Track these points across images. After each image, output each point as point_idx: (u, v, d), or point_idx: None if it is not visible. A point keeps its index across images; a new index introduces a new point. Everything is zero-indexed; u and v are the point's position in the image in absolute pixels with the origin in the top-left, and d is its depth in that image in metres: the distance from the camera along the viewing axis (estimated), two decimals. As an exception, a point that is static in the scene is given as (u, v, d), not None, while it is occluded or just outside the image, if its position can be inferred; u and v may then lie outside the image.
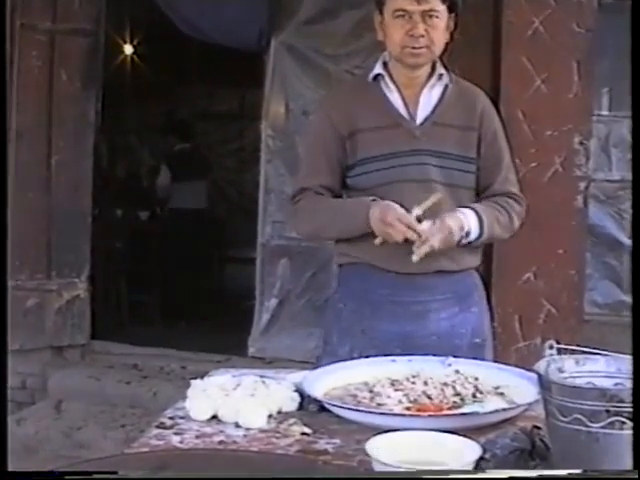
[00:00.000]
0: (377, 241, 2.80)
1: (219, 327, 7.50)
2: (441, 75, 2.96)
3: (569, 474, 1.48)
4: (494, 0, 4.92)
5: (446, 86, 2.97)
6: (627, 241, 5.66)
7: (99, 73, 6.63)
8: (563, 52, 4.75)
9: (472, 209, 2.88)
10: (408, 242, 2.76)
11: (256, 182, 6.52)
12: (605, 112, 5.72)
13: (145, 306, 8.31)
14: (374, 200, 2.84)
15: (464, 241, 2.86)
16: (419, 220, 2.75)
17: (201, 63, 10.22)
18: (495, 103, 4.76)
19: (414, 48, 2.85)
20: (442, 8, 2.84)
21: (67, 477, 1.44)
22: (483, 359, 2.85)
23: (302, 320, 6.17)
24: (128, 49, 10.22)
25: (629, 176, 5.51)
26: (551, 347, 1.78)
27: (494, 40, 4.90)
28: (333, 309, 3.10)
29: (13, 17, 6.07)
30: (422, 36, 2.83)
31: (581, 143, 4.76)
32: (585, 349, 1.81)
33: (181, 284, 8.46)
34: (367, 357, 2.64)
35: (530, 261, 4.77)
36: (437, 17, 2.84)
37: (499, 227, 2.95)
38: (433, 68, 2.97)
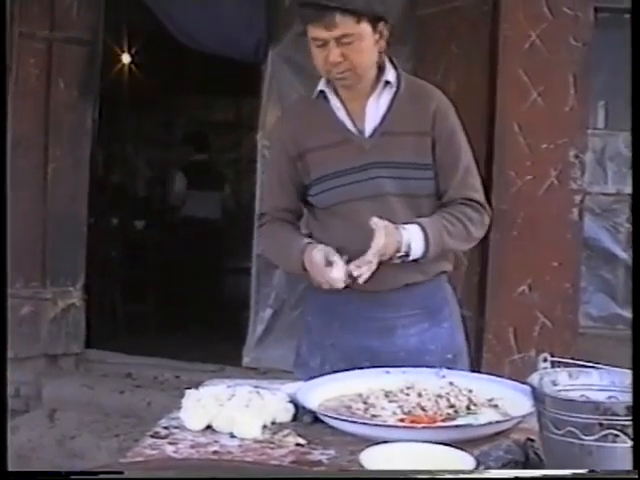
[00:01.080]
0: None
1: (214, 337, 7.50)
2: (387, 82, 2.84)
3: (573, 474, 1.48)
4: (491, 13, 4.93)
5: (395, 92, 2.85)
6: (622, 254, 5.67)
7: (96, 82, 6.63)
8: (559, 65, 4.75)
9: (419, 225, 2.76)
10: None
11: (252, 192, 6.52)
12: (601, 126, 5.74)
13: (140, 315, 8.31)
14: (310, 243, 2.79)
15: (407, 259, 2.75)
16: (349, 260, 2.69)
17: (198, 73, 10.25)
18: (491, 116, 4.82)
19: (337, 74, 2.76)
20: (359, 29, 2.68)
21: (72, 477, 1.44)
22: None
23: (297, 331, 6.13)
24: (125, 58, 10.23)
25: (624, 189, 5.54)
26: (545, 360, 1.78)
27: (491, 53, 4.91)
28: (303, 321, 3.09)
29: (12, 25, 6.07)
30: (340, 62, 2.71)
31: (577, 156, 4.76)
32: (579, 362, 1.82)
33: (176, 294, 8.46)
34: (337, 370, 2.62)
35: (525, 274, 4.77)
36: (356, 40, 2.69)
37: (451, 239, 2.81)
38: (380, 73, 2.85)
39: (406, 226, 2.74)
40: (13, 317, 6.20)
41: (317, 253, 2.72)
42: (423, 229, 2.75)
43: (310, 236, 2.97)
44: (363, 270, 2.65)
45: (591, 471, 1.51)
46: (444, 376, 2.53)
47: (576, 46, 4.74)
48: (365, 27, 2.69)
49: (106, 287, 8.16)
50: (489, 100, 4.84)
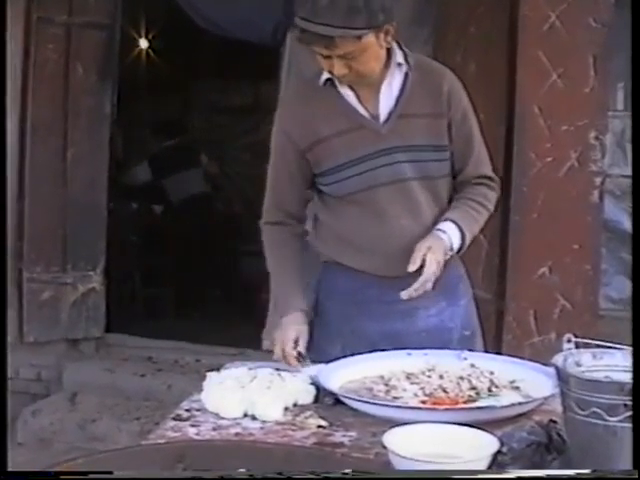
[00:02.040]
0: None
1: (234, 320, 7.52)
2: (399, 64, 2.77)
3: (577, 474, 1.48)
4: (510, -6, 4.91)
5: (406, 74, 2.78)
6: (642, 236, 5.64)
7: (115, 66, 6.63)
8: (579, 47, 4.72)
9: (452, 222, 2.78)
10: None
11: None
12: (620, 107, 5.69)
13: (160, 299, 8.33)
14: (301, 311, 2.82)
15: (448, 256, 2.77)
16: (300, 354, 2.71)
17: (216, 57, 10.22)
18: (511, 98, 4.80)
19: (345, 80, 2.72)
20: (361, 45, 2.58)
21: (62, 477, 1.44)
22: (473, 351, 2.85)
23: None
24: (143, 43, 10.23)
25: (645, 171, 5.50)
26: (569, 341, 1.78)
27: (510, 35, 4.88)
28: (319, 308, 3.02)
29: (30, 10, 6.08)
30: (346, 73, 2.66)
31: (597, 138, 4.73)
32: (602, 343, 1.81)
33: (196, 277, 8.48)
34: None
35: (545, 256, 4.76)
36: (360, 54, 2.61)
37: (477, 226, 2.88)
38: (388, 57, 2.76)
39: (443, 227, 2.76)
40: (34, 302, 6.25)
41: (291, 332, 2.75)
42: (458, 226, 2.78)
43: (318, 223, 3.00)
44: (420, 292, 2.67)
45: (594, 471, 1.50)
46: (465, 358, 2.54)
47: (596, 27, 4.70)
48: (368, 39, 2.60)
49: (126, 271, 8.18)
50: (509, 82, 4.82)
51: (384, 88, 2.78)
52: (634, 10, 2.88)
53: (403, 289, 2.69)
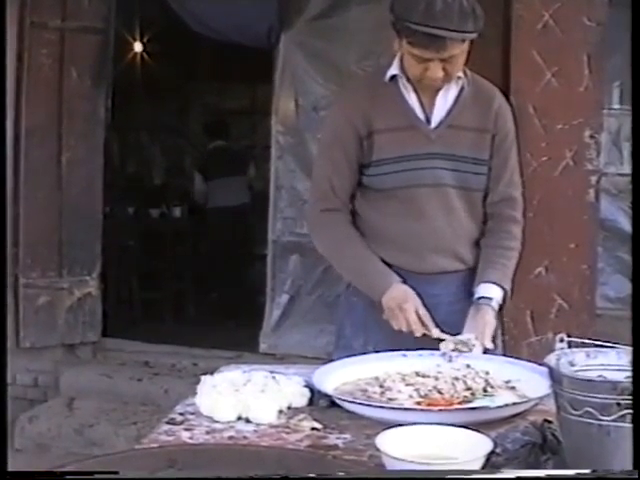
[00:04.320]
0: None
1: (230, 324, 7.52)
2: (458, 77, 2.90)
3: (577, 474, 1.47)
4: (504, -6, 4.90)
5: (462, 88, 2.92)
6: (639, 235, 5.62)
7: (109, 70, 6.63)
8: (574, 46, 4.72)
9: (496, 284, 2.92)
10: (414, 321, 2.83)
11: (267, 178, 6.52)
12: (616, 106, 5.69)
13: (156, 303, 8.33)
14: (399, 283, 2.86)
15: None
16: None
17: (211, 60, 10.24)
18: (506, 97, 4.78)
19: (432, 82, 2.82)
20: (463, 47, 2.76)
21: (68, 477, 1.43)
22: (494, 350, 2.86)
23: (313, 316, 6.16)
24: (138, 46, 10.22)
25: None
26: (562, 340, 1.77)
27: (504, 34, 4.88)
28: (346, 302, 3.10)
29: (23, 15, 6.07)
30: (437, 77, 2.78)
31: (592, 137, 4.73)
32: (596, 342, 1.80)
33: (192, 281, 8.47)
34: (381, 351, 2.65)
35: (542, 255, 4.75)
36: (458, 57, 2.77)
37: (512, 271, 3.05)
38: None
39: (489, 294, 2.89)
40: (30, 307, 6.24)
41: (412, 304, 2.79)
42: (501, 287, 2.93)
43: (354, 214, 3.05)
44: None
45: (593, 471, 1.49)
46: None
47: (590, 26, 4.70)
48: (466, 44, 2.77)
49: (122, 276, 8.18)
50: (503, 81, 4.80)
51: (440, 96, 2.91)
52: (634, 7, 2.86)
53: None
